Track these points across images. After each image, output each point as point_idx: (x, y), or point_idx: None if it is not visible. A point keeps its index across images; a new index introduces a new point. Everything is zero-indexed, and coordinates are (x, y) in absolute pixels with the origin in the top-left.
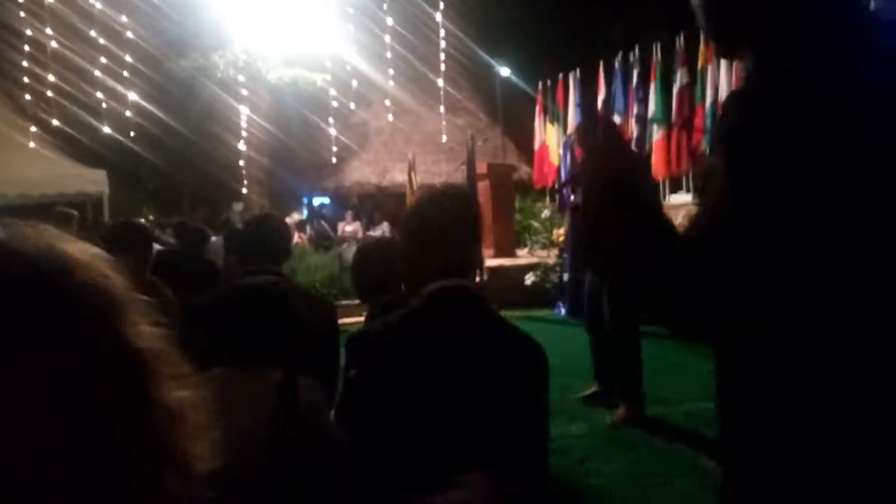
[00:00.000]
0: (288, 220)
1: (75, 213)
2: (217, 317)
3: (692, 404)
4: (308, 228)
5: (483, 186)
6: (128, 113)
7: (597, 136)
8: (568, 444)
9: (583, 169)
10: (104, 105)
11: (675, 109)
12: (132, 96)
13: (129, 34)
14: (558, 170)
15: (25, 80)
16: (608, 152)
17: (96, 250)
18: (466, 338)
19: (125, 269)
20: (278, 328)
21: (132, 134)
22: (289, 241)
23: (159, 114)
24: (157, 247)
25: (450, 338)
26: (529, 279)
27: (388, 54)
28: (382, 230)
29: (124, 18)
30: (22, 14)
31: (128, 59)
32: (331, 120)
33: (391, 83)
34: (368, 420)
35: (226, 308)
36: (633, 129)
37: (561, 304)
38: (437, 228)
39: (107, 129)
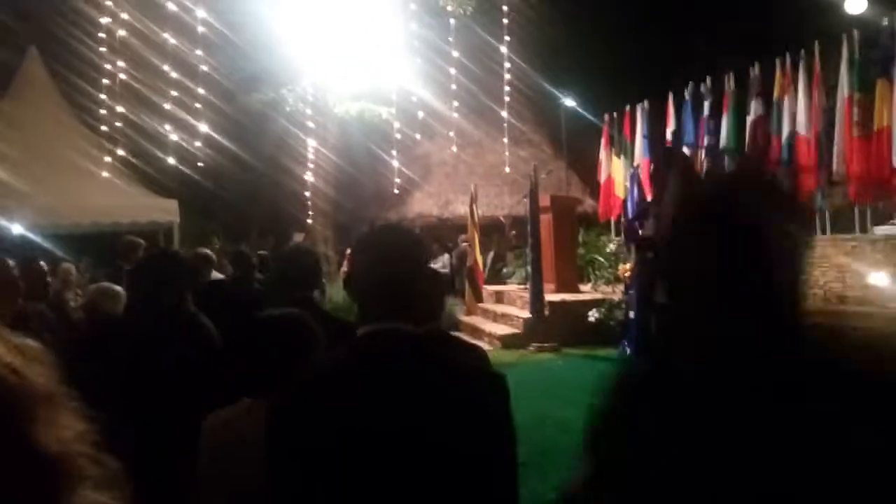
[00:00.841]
0: (350, 250)
1: (142, 241)
2: (232, 350)
3: None
4: None
5: (546, 219)
6: (198, 144)
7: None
8: None
9: (654, 203)
10: (177, 138)
11: (748, 140)
12: (205, 129)
13: (205, 68)
14: (624, 203)
15: (102, 112)
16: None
17: (23, 344)
18: (388, 391)
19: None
20: (280, 357)
21: (203, 165)
22: (313, 269)
23: (232, 147)
24: (217, 275)
25: (369, 392)
26: (593, 315)
27: (453, 86)
28: (442, 262)
29: (199, 53)
30: (102, 49)
31: (203, 93)
32: (394, 152)
33: (455, 115)
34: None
35: (236, 342)
36: (704, 160)
37: (626, 343)
38: (374, 267)
39: (173, 161)
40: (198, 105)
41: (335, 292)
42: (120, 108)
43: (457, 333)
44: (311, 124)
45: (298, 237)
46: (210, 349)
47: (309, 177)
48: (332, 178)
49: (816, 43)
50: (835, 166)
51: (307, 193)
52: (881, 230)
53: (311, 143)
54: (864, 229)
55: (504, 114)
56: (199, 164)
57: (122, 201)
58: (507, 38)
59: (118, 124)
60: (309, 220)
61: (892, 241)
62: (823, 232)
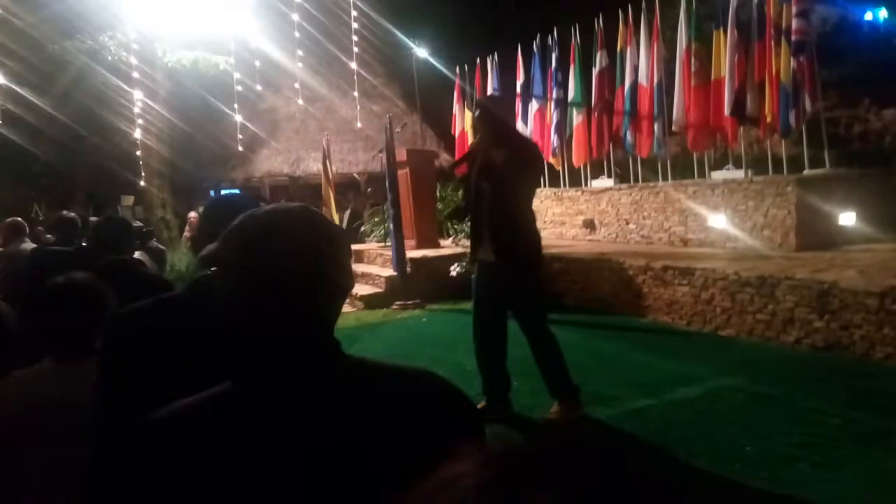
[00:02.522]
0: (193, 214)
1: None
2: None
3: (636, 402)
4: None
5: (403, 174)
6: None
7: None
8: None
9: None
10: None
11: (595, 93)
12: (9, 83)
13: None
14: None
15: None
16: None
17: None
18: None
19: None
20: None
21: (12, 125)
22: (123, 235)
23: (43, 103)
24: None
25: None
26: (455, 270)
27: (297, 34)
28: None
29: None
30: None
31: (2, 40)
32: (236, 106)
33: (300, 66)
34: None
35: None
36: (553, 113)
37: None
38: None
39: None
40: None
41: (177, 260)
42: None
43: None
44: (137, 76)
45: (127, 201)
46: None
47: (138, 135)
48: (167, 135)
49: None
50: (674, 115)
51: (138, 153)
52: (718, 175)
53: (139, 96)
54: (702, 174)
55: (353, 65)
56: (8, 123)
57: None
58: None
59: None
60: (142, 183)
61: (730, 184)
62: (665, 178)
